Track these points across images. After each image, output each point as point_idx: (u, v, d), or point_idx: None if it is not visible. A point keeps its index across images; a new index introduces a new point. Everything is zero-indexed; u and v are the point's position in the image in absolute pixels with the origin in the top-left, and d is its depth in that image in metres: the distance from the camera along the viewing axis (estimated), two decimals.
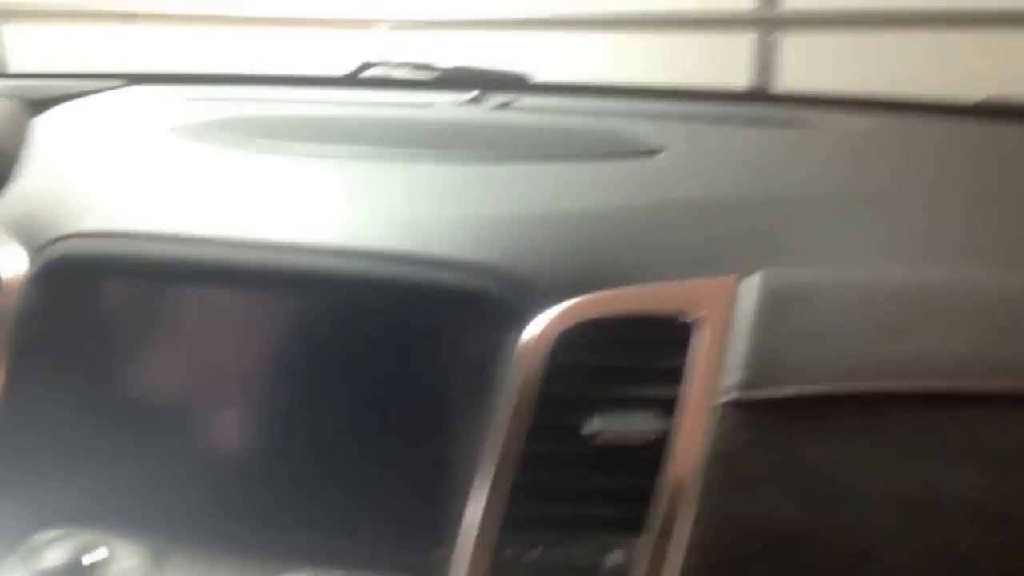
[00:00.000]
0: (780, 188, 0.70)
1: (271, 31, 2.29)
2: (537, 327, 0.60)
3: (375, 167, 0.73)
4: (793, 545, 0.57)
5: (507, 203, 0.67)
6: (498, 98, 0.93)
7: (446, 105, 0.95)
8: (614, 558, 0.58)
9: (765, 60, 2.05)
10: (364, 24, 2.26)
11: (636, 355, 0.60)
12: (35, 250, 0.69)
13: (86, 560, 0.64)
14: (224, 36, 2.29)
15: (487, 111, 0.91)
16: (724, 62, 2.09)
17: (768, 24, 2.04)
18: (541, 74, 1.07)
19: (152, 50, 2.28)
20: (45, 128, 0.87)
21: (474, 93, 0.95)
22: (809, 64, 2.06)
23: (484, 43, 2.20)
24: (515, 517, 0.58)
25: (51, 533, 0.66)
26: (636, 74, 2.05)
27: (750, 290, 0.60)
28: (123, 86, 1.07)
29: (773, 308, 0.59)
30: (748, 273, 0.61)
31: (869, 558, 0.56)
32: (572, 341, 0.59)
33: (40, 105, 0.92)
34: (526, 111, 0.92)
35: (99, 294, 0.69)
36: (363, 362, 0.65)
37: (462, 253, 0.62)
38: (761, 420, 0.56)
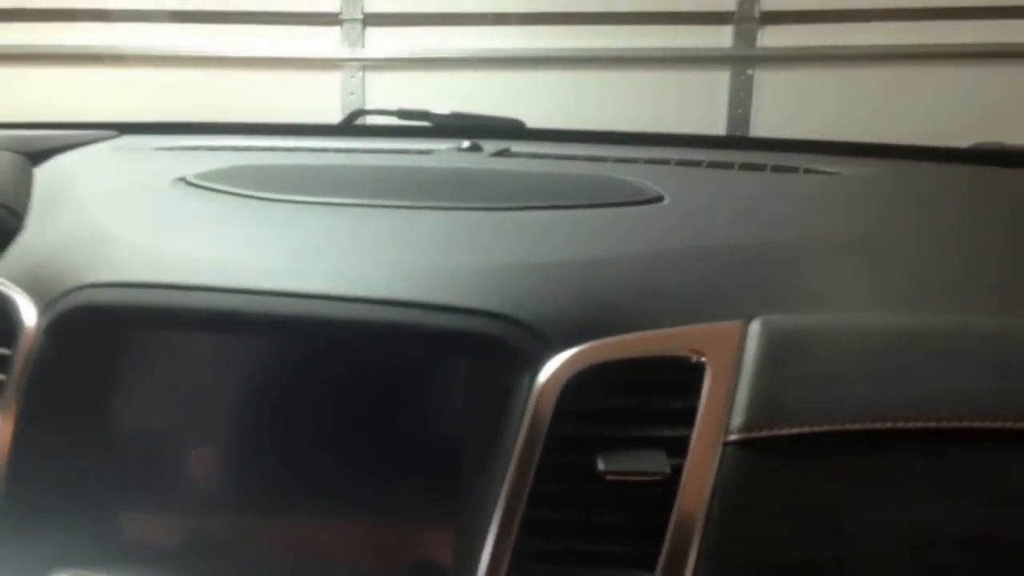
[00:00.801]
0: (780, 234, 0.72)
1: (234, 73, 2.31)
2: (548, 371, 0.61)
3: (383, 216, 0.75)
4: None
5: (515, 251, 0.68)
6: (495, 145, 0.95)
7: (446, 153, 0.96)
8: None
9: (741, 96, 2.10)
10: (336, 64, 2.29)
11: (644, 397, 0.61)
12: (47, 302, 0.70)
13: None
14: (186, 78, 2.31)
15: (487, 158, 0.93)
16: (701, 97, 2.14)
17: (744, 61, 2.09)
18: (519, 113, 1.10)
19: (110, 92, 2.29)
20: (47, 180, 0.87)
21: (471, 142, 0.96)
22: (784, 100, 2.11)
23: (463, 83, 2.23)
24: (526, 553, 0.59)
25: (65, 574, 0.66)
26: (615, 111, 2.09)
27: (754, 334, 0.62)
28: (115, 136, 1.09)
29: (775, 352, 0.61)
30: (752, 317, 0.62)
31: None
32: (582, 384, 0.61)
33: (39, 156, 0.93)
34: (525, 158, 0.94)
35: (112, 343, 0.70)
36: (379, 406, 0.66)
37: (474, 301, 0.64)
38: (765, 459, 0.58)
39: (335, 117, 1.96)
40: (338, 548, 0.67)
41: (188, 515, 0.68)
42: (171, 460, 0.69)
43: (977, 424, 0.57)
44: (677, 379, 0.61)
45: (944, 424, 0.57)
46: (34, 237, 0.77)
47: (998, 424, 0.57)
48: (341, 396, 0.67)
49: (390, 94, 2.24)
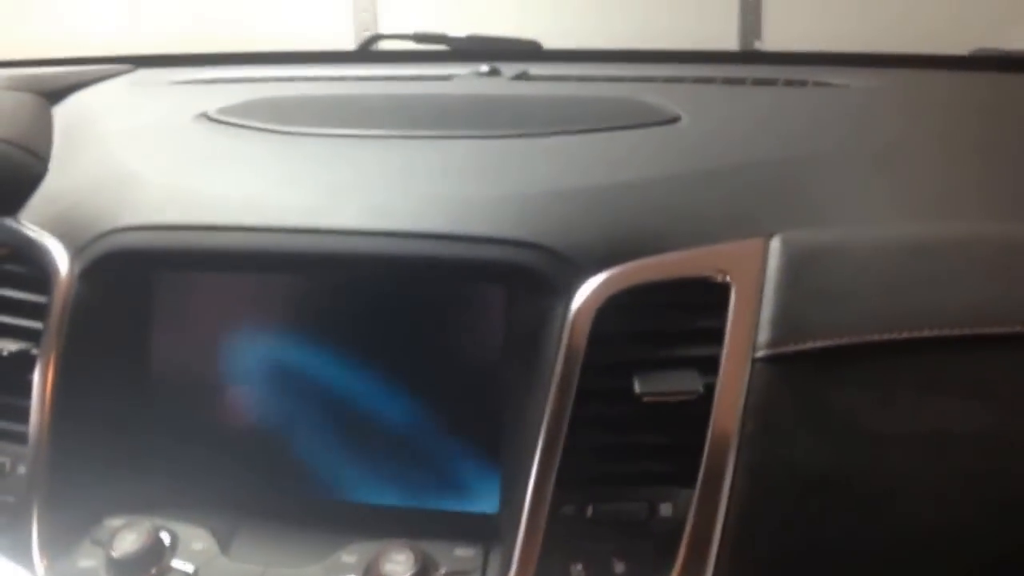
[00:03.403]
0: (795, 150, 0.72)
1: None
2: (580, 297, 0.62)
3: (410, 147, 0.75)
4: (828, 487, 0.61)
5: (544, 179, 0.69)
6: (513, 67, 0.94)
7: (466, 78, 0.96)
8: (665, 510, 0.61)
9: (750, 13, 2.06)
10: None
11: (674, 318, 0.62)
12: (79, 247, 0.70)
13: (159, 544, 0.66)
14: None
15: (507, 83, 0.92)
16: (711, 15, 2.10)
17: None
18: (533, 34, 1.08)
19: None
20: (67, 120, 0.87)
21: (490, 65, 0.96)
22: (793, 17, 2.07)
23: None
24: (568, 477, 0.61)
25: (119, 520, 0.68)
26: (623, 31, 2.05)
27: (775, 251, 0.63)
28: (131, 70, 1.08)
29: (796, 268, 0.62)
30: (773, 235, 0.64)
31: (896, 493, 0.61)
32: (614, 308, 0.62)
33: (55, 95, 0.92)
34: (544, 81, 0.94)
35: (147, 286, 0.71)
36: (416, 341, 0.67)
37: (507, 231, 0.64)
38: (792, 373, 0.60)
39: (347, 37, 1.92)
40: (383, 475, 0.69)
41: (237, 451, 0.70)
42: (209, 401, 0.70)
43: (992, 330, 0.59)
44: (705, 299, 0.62)
45: (960, 331, 0.59)
46: (59, 181, 0.77)
47: (1009, 329, 0.59)
48: (377, 332, 0.68)
49: (402, 12, 2.20)
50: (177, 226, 0.69)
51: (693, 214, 0.66)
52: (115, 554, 0.65)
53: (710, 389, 0.60)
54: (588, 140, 0.74)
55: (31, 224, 0.73)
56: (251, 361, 0.70)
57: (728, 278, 0.62)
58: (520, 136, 0.74)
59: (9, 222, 0.74)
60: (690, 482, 0.60)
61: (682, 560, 0.60)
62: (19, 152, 0.78)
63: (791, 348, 0.60)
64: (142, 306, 0.71)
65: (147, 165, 0.76)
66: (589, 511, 0.61)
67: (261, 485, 0.70)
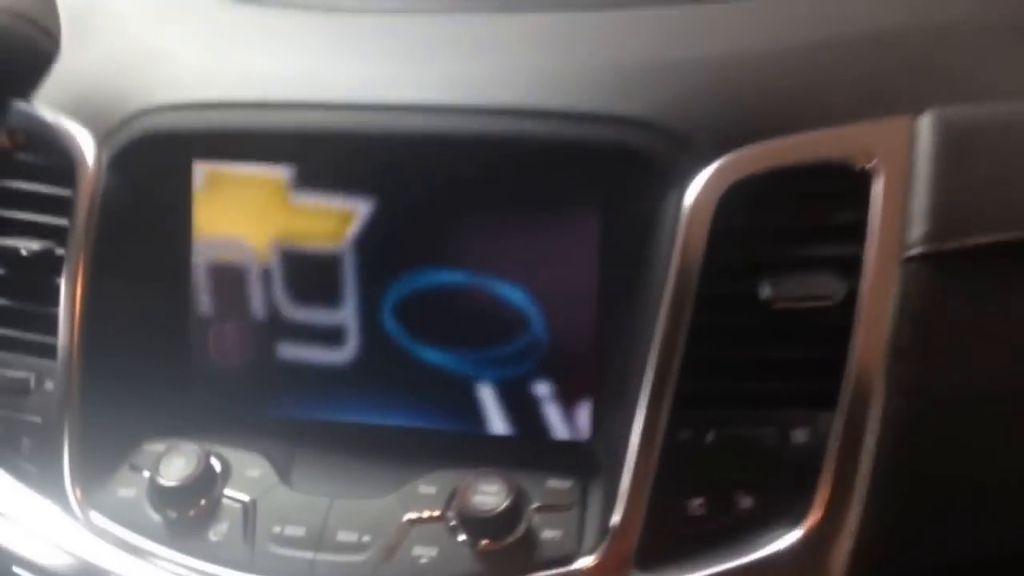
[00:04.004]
0: (937, 15, 0.62)
1: None
2: (697, 186, 0.53)
3: (478, 19, 0.64)
4: (1002, 408, 0.53)
5: (644, 47, 0.59)
6: None
7: None
8: (800, 436, 0.53)
9: None
10: None
11: (809, 210, 0.54)
12: (106, 132, 0.62)
13: (209, 470, 0.58)
14: None
15: None
16: None
17: None
18: None
19: None
20: None
21: None
22: None
23: None
24: (685, 397, 0.53)
25: (161, 443, 0.61)
26: None
27: (926, 130, 0.54)
28: None
29: (953, 149, 0.53)
30: (922, 111, 0.54)
31: None
32: (737, 199, 0.53)
33: None
34: None
35: (187, 175, 0.62)
36: (497, 238, 0.58)
37: (605, 105, 0.55)
38: (954, 274, 0.52)
39: None
40: (453, 409, 0.61)
41: (281, 370, 0.62)
42: (259, 306, 0.62)
43: None
44: (845, 186, 0.54)
45: None
46: (74, 60, 0.68)
47: None
48: (450, 229, 0.59)
49: None
50: (222, 103, 0.60)
51: (826, 88, 0.56)
52: (161, 481, 0.57)
53: (852, 294, 0.52)
54: (692, 9, 0.63)
55: (49, 108, 0.65)
56: (306, 261, 0.61)
57: (873, 162, 0.53)
58: (615, 6, 0.64)
59: (21, 105, 0.65)
60: (830, 404, 0.53)
61: (824, 497, 0.52)
62: (26, 25, 0.68)
63: (951, 244, 0.52)
64: (181, 199, 0.62)
65: (178, 41, 0.66)
66: (709, 437, 0.53)
67: (321, 405, 0.61)
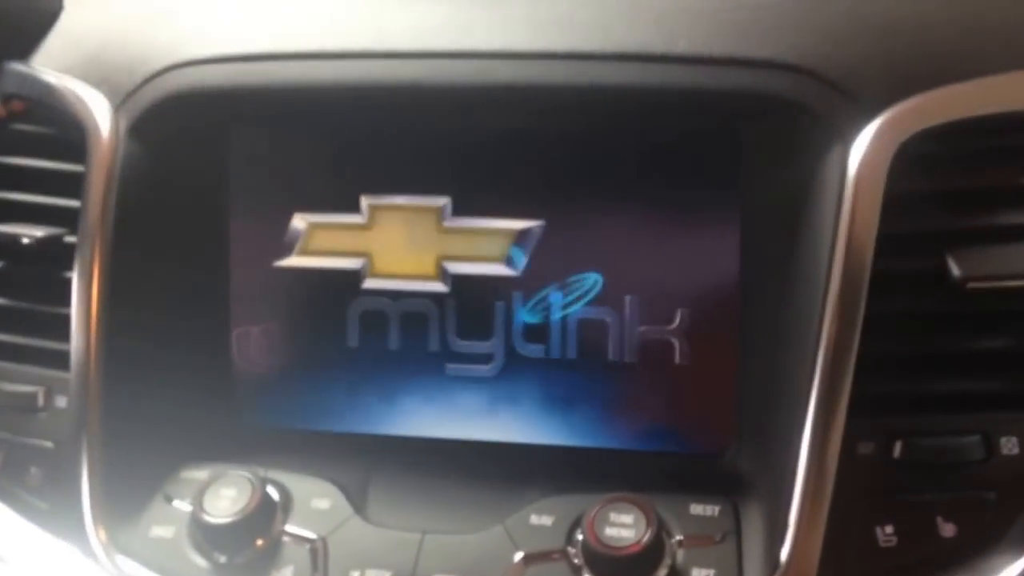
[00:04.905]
0: None
1: None
2: (863, 143, 0.46)
3: None
4: None
5: None
6: None
7: None
8: (1010, 446, 0.45)
9: None
10: None
11: (998, 170, 0.47)
12: (123, 95, 0.54)
13: (266, 502, 0.49)
14: None
15: None
16: None
17: None
18: None
19: None
20: None
21: None
22: None
23: None
24: (864, 401, 0.45)
25: (202, 469, 0.52)
26: None
27: None
28: None
29: None
30: None
31: None
32: (913, 157, 0.46)
33: None
34: None
35: (217, 142, 0.54)
36: (611, 212, 0.51)
37: (761, 52, 0.48)
38: None
39: None
40: (563, 418, 0.53)
41: (346, 379, 0.54)
42: (315, 303, 0.54)
43: None
44: None
45: None
46: (81, 18, 0.61)
47: None
48: (552, 202, 0.52)
49: None
50: (260, 55, 0.52)
51: (1007, 25, 0.49)
52: (207, 518, 0.48)
53: None
54: None
55: (56, 72, 0.57)
56: (377, 243, 0.53)
57: None
58: None
59: (18, 67, 0.58)
60: None
61: None
62: None
63: None
64: (216, 173, 0.54)
65: None
66: (897, 449, 0.45)
67: (397, 420, 0.53)
